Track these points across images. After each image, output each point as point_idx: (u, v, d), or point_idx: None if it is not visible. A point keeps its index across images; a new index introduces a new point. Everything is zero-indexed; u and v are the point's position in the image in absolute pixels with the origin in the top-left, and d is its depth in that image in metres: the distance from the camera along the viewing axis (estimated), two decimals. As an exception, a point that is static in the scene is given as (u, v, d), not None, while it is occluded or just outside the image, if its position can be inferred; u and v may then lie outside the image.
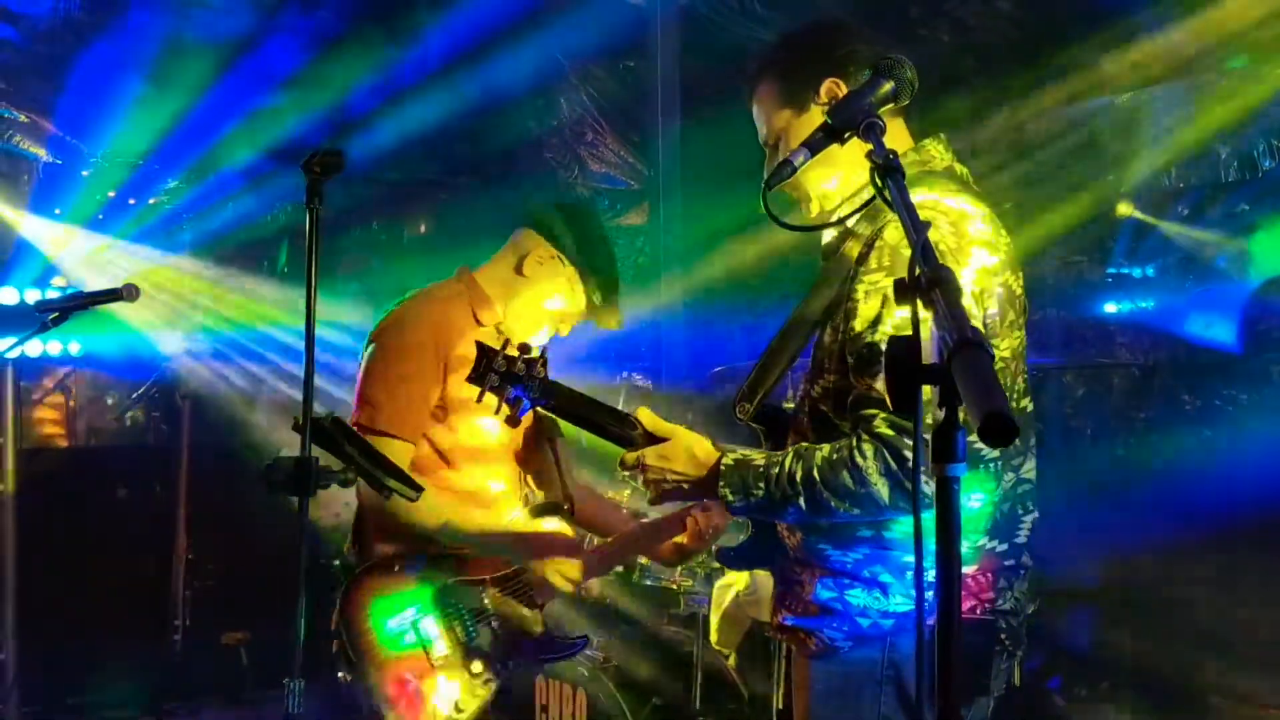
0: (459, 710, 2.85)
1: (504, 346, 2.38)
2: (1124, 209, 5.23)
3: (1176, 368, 5.21)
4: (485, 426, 3.02)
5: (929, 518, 1.27)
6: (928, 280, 1.20)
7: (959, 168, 2.27)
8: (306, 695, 2.32)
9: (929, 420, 1.38)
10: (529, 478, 3.19)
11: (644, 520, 3.23)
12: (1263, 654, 4.25)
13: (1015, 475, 2.19)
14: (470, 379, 2.39)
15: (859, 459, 1.97)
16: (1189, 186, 4.92)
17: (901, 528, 2.08)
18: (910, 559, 2.08)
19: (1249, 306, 4.84)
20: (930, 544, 1.27)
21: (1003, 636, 2.15)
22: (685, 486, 2.22)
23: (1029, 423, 2.25)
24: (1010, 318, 2.12)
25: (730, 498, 2.14)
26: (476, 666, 2.88)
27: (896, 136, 2.22)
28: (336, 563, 3.02)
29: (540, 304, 3.06)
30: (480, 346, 2.39)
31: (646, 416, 2.26)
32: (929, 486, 1.91)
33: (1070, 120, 5.04)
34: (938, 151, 2.26)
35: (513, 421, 2.39)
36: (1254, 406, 4.89)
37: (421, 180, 7.12)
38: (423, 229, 7.50)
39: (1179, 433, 5.04)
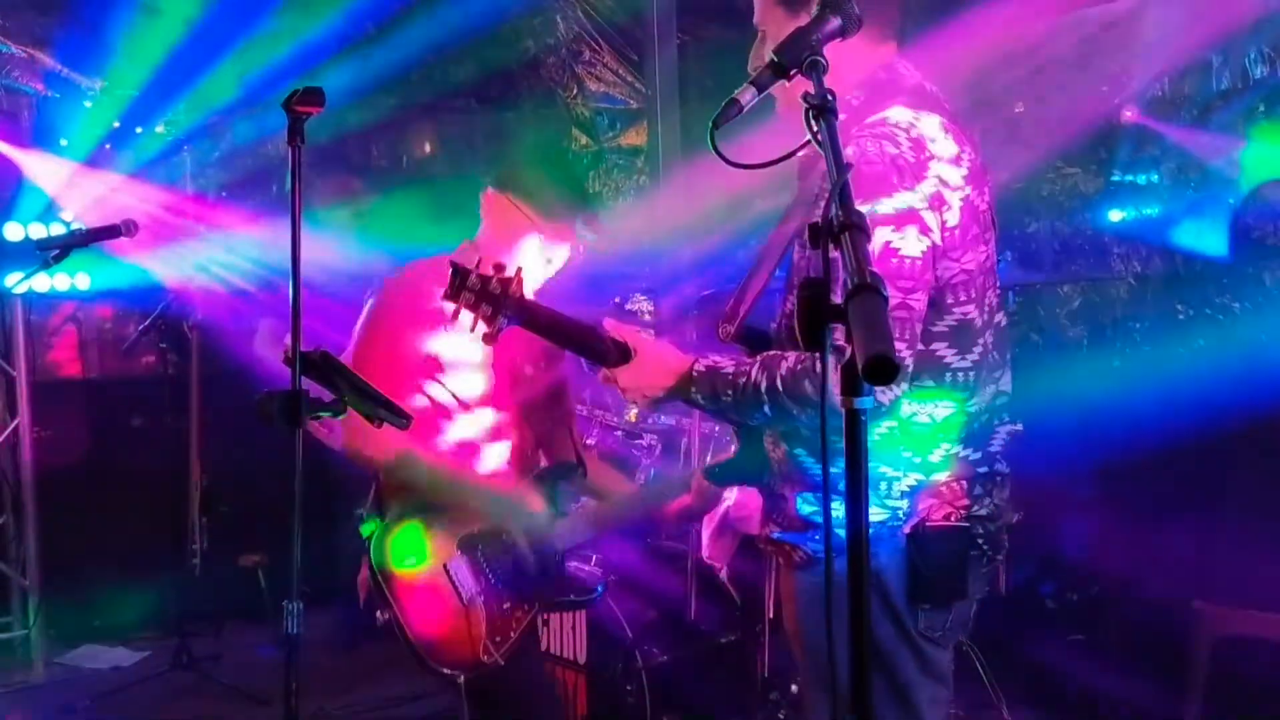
0: (497, 644, 2.92)
1: (477, 265, 2.41)
2: (1126, 115, 5.21)
3: (1172, 277, 5.22)
4: (475, 379, 3.08)
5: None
6: (840, 225, 1.25)
7: (928, 85, 2.29)
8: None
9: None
10: (539, 442, 3.24)
11: (646, 484, 3.30)
12: (1251, 561, 4.32)
13: (995, 388, 2.26)
14: (445, 297, 2.42)
15: (819, 368, 2.02)
16: (1182, 95, 4.89)
17: (873, 437, 2.13)
18: (884, 469, 2.17)
19: (1243, 214, 4.83)
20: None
21: (980, 542, 2.23)
22: (661, 396, 2.30)
23: (1004, 337, 2.31)
24: (975, 232, 2.17)
25: (701, 402, 2.25)
26: (506, 604, 2.95)
27: (878, 58, 2.26)
28: (359, 512, 3.09)
29: (523, 253, 3.06)
30: (454, 265, 2.42)
31: (612, 325, 2.33)
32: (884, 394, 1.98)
33: (1065, 28, 4.99)
34: (906, 69, 2.28)
35: (489, 339, 2.41)
36: (1248, 314, 4.91)
37: (419, 104, 7.11)
38: (422, 151, 7.51)
39: (1174, 342, 5.06)
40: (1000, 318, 2.31)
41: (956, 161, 2.15)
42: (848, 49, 2.14)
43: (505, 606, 2.95)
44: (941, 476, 2.19)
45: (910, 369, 2.07)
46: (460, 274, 2.40)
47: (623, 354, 2.31)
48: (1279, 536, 3.93)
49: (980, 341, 2.21)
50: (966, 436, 2.21)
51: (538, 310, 2.41)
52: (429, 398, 3.03)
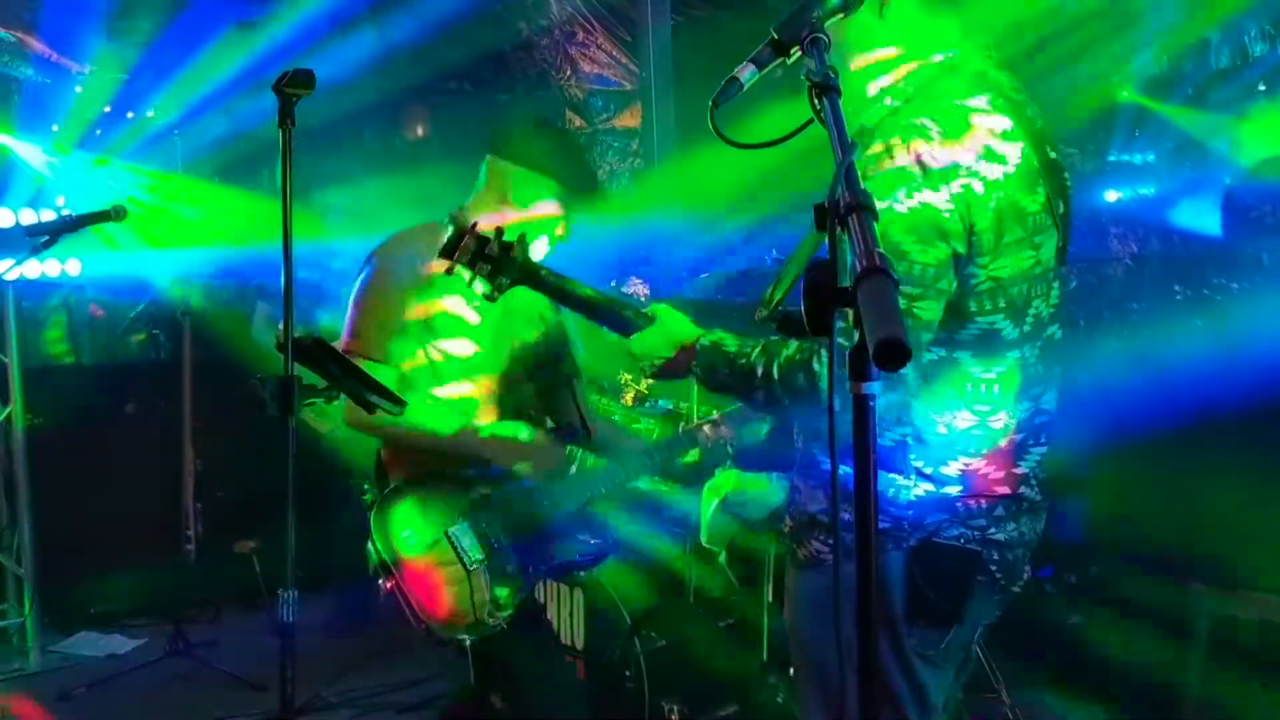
0: (498, 607, 2.91)
1: (472, 227, 2.43)
2: (1124, 94, 5.17)
3: (1170, 258, 5.19)
4: (468, 343, 3.07)
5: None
6: (846, 206, 1.21)
7: (994, 72, 2.12)
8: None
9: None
10: (544, 405, 3.24)
11: (656, 444, 3.29)
12: (1246, 540, 4.32)
13: (1034, 405, 2.13)
14: (441, 254, 2.44)
15: (815, 364, 1.97)
16: (1180, 74, 4.86)
17: (885, 443, 2.06)
18: (895, 476, 2.07)
19: (1241, 193, 4.80)
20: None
21: (992, 569, 2.10)
22: (662, 366, 2.27)
23: (1054, 351, 2.16)
24: (1017, 235, 2.01)
25: (700, 376, 2.20)
26: (510, 569, 2.94)
27: (939, 35, 2.13)
28: (365, 486, 3.10)
29: (529, 220, 3.06)
30: (453, 220, 2.49)
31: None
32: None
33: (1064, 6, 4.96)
34: (967, 56, 2.12)
35: (490, 298, 2.44)
36: (1246, 294, 4.88)
37: (412, 87, 7.07)
38: (414, 134, 7.47)
39: (1171, 323, 5.03)
40: (1053, 331, 2.15)
41: (999, 158, 1.99)
42: (901, 22, 2.10)
43: (509, 571, 2.94)
44: (955, 491, 2.06)
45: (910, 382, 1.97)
46: (458, 233, 2.42)
47: (647, 322, 2.30)
48: (1277, 516, 3.92)
49: (1011, 355, 2.07)
50: (992, 454, 2.07)
51: (543, 274, 2.39)
52: (426, 359, 3.03)
